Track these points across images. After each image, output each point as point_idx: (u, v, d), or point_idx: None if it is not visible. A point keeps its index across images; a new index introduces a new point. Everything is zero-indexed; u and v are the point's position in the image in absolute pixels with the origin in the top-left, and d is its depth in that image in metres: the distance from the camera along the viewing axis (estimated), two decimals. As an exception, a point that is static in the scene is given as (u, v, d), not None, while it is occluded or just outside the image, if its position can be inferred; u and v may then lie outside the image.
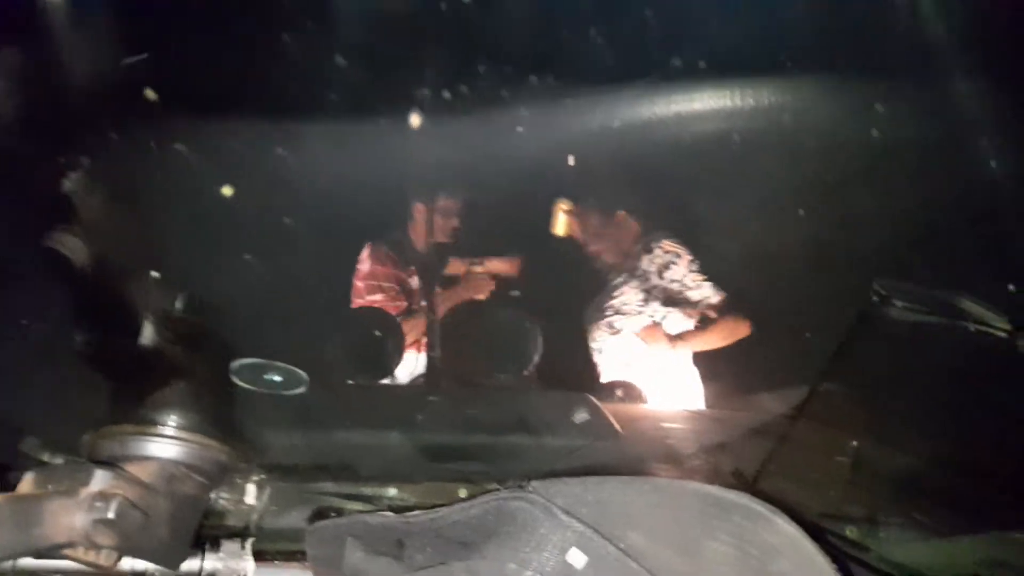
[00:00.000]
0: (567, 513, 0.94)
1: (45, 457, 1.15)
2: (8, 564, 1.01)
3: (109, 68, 1.17)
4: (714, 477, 1.31)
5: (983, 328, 1.25)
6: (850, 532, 1.23)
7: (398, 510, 1.11)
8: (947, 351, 1.39)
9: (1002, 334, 1.25)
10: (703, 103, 2.61)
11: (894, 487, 1.31)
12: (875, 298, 1.29)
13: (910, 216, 2.60)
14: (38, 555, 0.99)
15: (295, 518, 1.24)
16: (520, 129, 2.78)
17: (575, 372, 3.52)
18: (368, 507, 1.23)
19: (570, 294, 3.71)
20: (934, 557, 1.19)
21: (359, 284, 3.47)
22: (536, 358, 2.80)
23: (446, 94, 2.48)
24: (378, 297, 3.43)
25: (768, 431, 1.38)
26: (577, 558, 0.92)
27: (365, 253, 3.48)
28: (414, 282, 3.55)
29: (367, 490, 1.28)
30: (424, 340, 3.31)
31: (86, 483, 0.88)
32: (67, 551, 0.90)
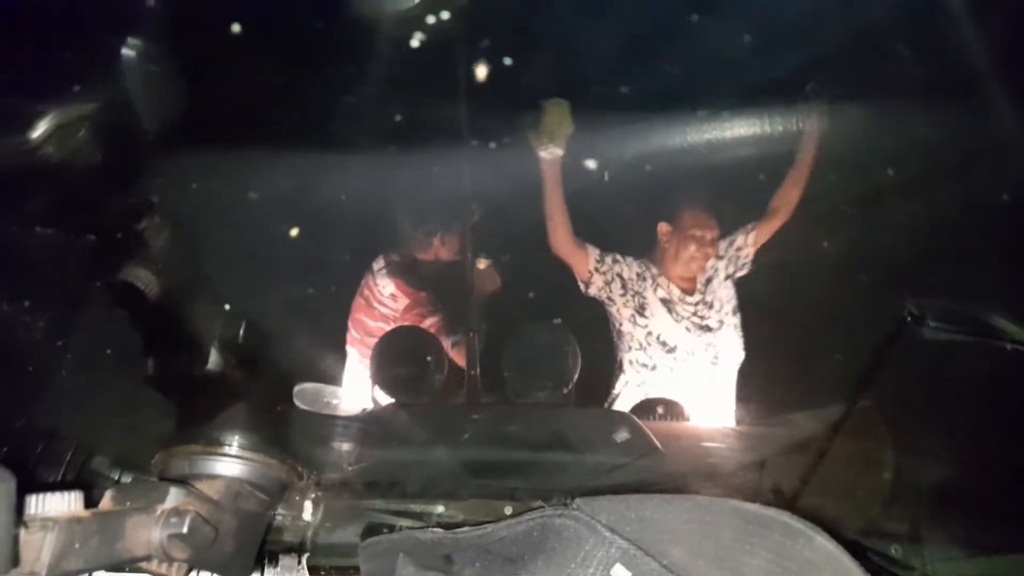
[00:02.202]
0: (611, 530, 0.97)
1: (118, 475, 1.23)
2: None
3: (180, 115, 1.25)
4: (754, 494, 1.32)
5: (1018, 346, 1.25)
6: (895, 551, 1.23)
7: (446, 526, 1.14)
8: (984, 368, 1.38)
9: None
10: (733, 131, 2.66)
11: (936, 504, 1.31)
12: (908, 317, 1.29)
13: (944, 234, 2.58)
14: (113, 568, 1.05)
15: (348, 534, 1.29)
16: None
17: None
18: (418, 523, 1.27)
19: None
20: (979, 574, 1.19)
21: (393, 312, 3.47)
22: (576, 375, 2.82)
23: (492, 145, 2.55)
24: (431, 320, 3.45)
25: (807, 448, 1.38)
26: (621, 574, 0.95)
27: (399, 286, 3.48)
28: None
29: (416, 507, 1.32)
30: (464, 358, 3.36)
31: (161, 500, 0.94)
32: (142, 564, 0.96)
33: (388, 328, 3.41)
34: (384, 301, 3.46)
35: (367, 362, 3.36)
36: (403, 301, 3.45)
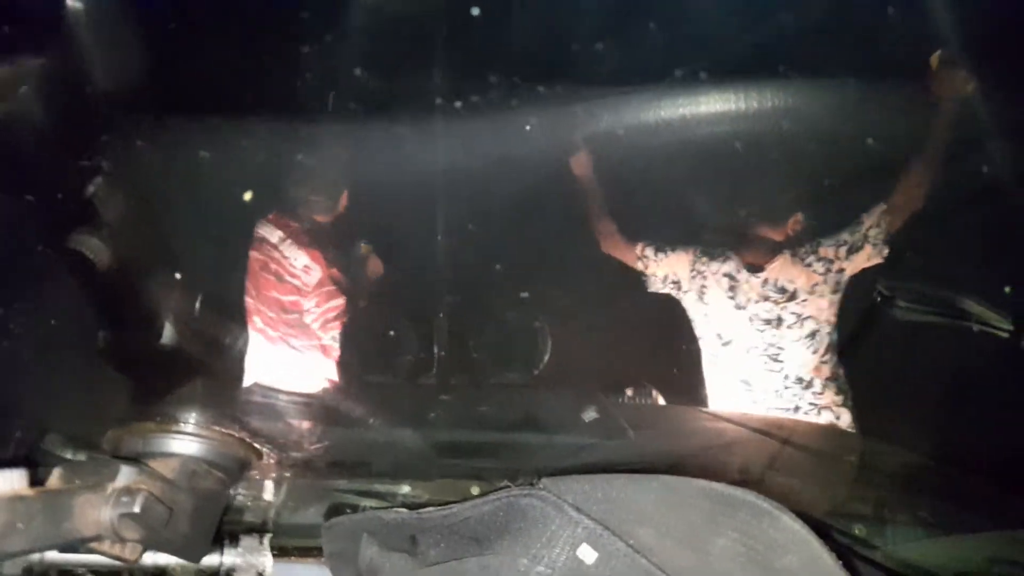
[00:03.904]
0: (577, 510, 0.96)
1: (68, 454, 1.19)
2: (35, 558, 1.04)
3: (131, 75, 1.20)
4: (721, 475, 1.32)
5: (986, 328, 1.26)
6: (858, 531, 1.24)
7: (412, 507, 1.13)
8: (951, 350, 1.40)
9: (1004, 334, 1.26)
10: (706, 107, 2.64)
11: (900, 485, 1.32)
12: (879, 298, 1.30)
13: (917, 217, 2.62)
14: (64, 549, 1.02)
15: (312, 514, 1.27)
16: (528, 130, 2.81)
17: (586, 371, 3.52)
18: (382, 504, 1.26)
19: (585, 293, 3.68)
20: (940, 554, 1.21)
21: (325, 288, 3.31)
22: (546, 358, 2.83)
23: (457, 103, 2.50)
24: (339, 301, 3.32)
25: (775, 430, 1.39)
26: (587, 554, 0.94)
27: (315, 257, 3.31)
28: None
29: (381, 487, 1.30)
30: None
31: (112, 478, 0.91)
32: (93, 544, 0.93)
33: (303, 302, 3.26)
34: (296, 273, 3.27)
35: (294, 341, 3.25)
36: (316, 274, 3.28)
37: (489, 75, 2.60)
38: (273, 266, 3.27)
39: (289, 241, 3.28)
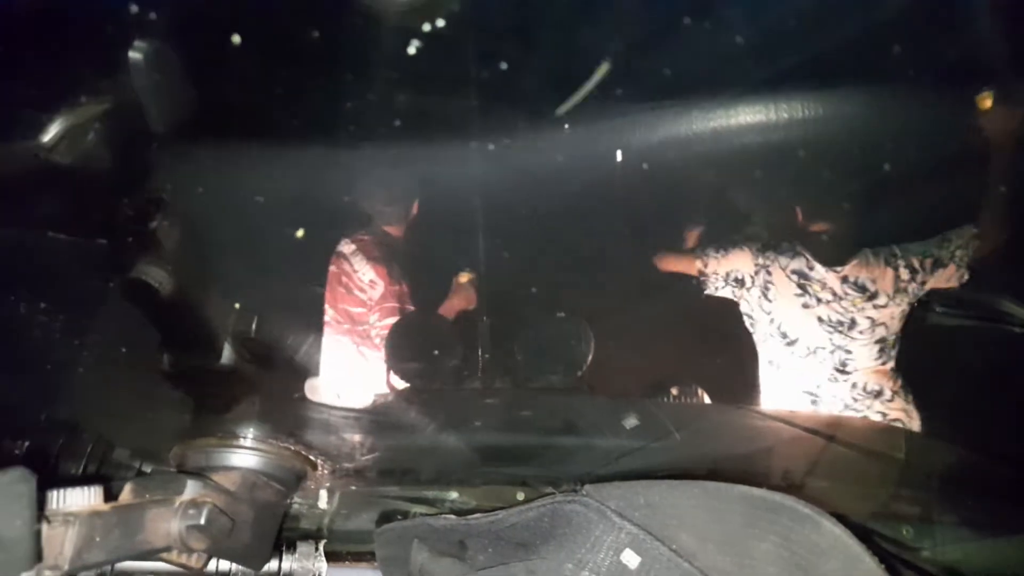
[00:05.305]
0: (620, 515, 0.98)
1: (137, 465, 1.26)
2: (107, 567, 1.11)
3: (188, 118, 1.27)
4: (764, 478, 1.32)
5: (1025, 330, 1.25)
6: (905, 532, 1.23)
7: (459, 512, 1.16)
8: (993, 352, 1.37)
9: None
10: (749, 117, 2.64)
11: (948, 486, 1.31)
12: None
13: (949, 219, 2.57)
14: (134, 559, 1.08)
15: (364, 521, 1.31)
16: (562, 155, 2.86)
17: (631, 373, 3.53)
18: (431, 510, 1.29)
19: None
20: (990, 556, 1.19)
21: (384, 304, 3.37)
22: (588, 360, 2.83)
23: (490, 146, 2.55)
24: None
25: (818, 431, 1.38)
26: (631, 558, 0.96)
27: (380, 273, 3.38)
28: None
29: (430, 493, 1.34)
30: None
31: (179, 492, 0.97)
32: (162, 554, 0.98)
33: (369, 315, 3.35)
34: (363, 287, 3.37)
35: (362, 349, 3.34)
36: (380, 288, 3.36)
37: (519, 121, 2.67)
38: (344, 279, 3.38)
39: (360, 255, 3.38)
